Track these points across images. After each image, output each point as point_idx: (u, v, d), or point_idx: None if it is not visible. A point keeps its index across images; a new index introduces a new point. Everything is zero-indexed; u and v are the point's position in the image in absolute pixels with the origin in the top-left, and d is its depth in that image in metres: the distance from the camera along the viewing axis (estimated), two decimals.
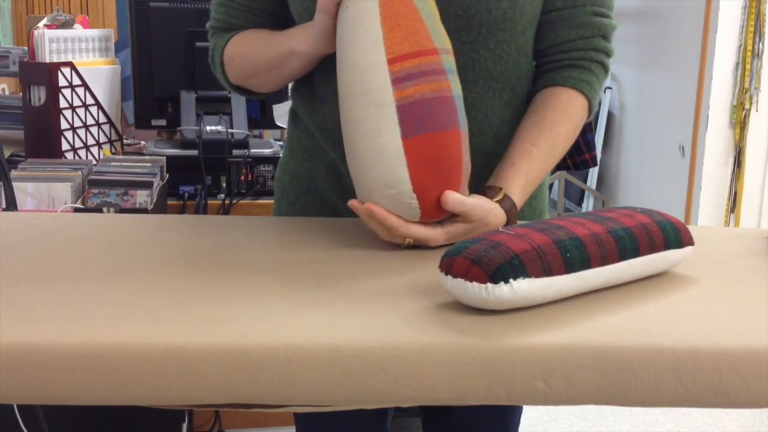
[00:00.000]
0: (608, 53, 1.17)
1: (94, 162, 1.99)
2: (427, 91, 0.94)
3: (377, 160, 0.95)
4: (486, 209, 1.00)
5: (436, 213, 0.98)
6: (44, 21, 2.20)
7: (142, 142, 2.50)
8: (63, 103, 2.07)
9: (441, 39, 0.98)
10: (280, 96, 2.31)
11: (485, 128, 1.14)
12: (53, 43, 2.12)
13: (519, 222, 1.01)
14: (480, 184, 1.11)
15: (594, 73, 1.15)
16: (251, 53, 1.16)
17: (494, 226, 1.01)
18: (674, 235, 0.89)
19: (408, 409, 1.99)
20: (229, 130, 2.18)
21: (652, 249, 0.87)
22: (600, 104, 1.22)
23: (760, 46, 3.46)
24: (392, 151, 0.94)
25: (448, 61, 0.98)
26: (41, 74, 2.06)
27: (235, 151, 2.17)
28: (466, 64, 1.09)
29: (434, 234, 0.99)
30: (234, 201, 2.15)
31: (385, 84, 0.94)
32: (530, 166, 1.09)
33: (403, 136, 0.94)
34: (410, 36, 0.95)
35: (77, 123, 2.13)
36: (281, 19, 1.20)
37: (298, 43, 1.09)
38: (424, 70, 0.95)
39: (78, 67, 2.12)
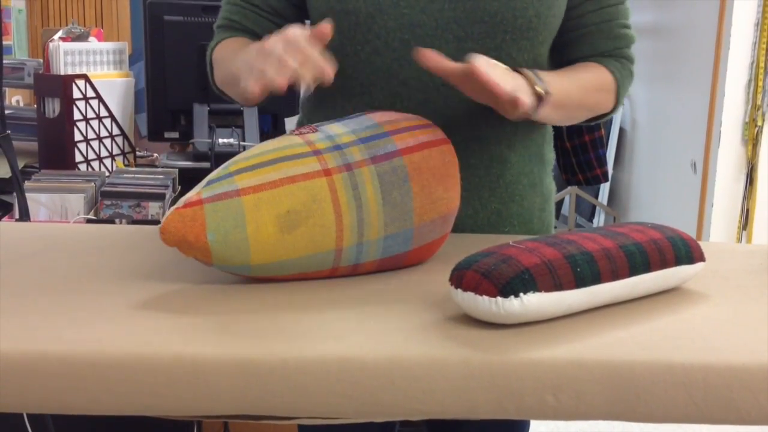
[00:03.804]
0: (633, 61, 1.21)
1: (107, 173, 2.00)
2: None
3: None
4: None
5: None
6: (59, 33, 2.22)
7: (155, 154, 2.51)
8: (77, 115, 2.08)
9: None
10: (292, 109, 2.32)
11: (500, 135, 1.14)
12: (68, 55, 2.14)
13: (529, 236, 1.01)
14: (493, 191, 1.12)
15: (625, 71, 1.19)
16: (226, 62, 1.15)
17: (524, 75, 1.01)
18: (685, 251, 0.89)
19: (414, 423, 1.98)
20: (241, 143, 2.19)
21: (663, 264, 0.86)
22: (611, 119, 1.24)
23: None
24: None
25: None
26: (56, 86, 2.07)
27: None
28: None
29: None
30: None
31: None
32: (554, 75, 1.09)
33: None
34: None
35: (91, 135, 2.14)
36: (282, 20, 1.19)
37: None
38: None
39: (92, 80, 2.13)
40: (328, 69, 0.93)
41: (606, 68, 1.17)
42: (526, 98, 0.95)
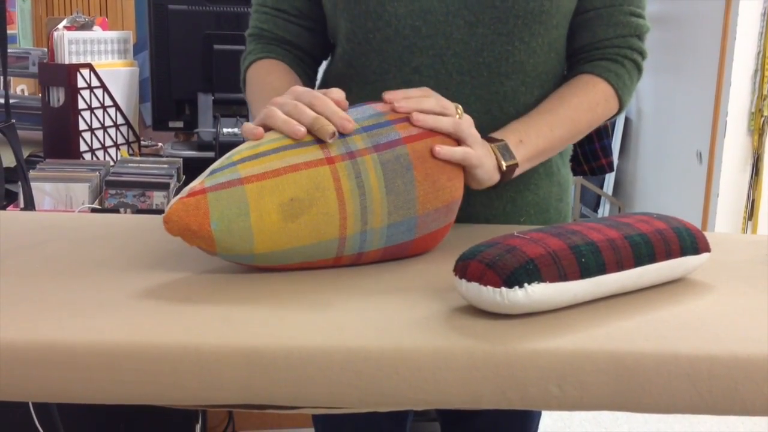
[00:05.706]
0: (643, 54, 1.18)
1: (112, 163, 2.00)
2: None
3: None
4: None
5: None
6: (64, 23, 2.22)
7: (160, 144, 2.51)
8: (81, 105, 2.08)
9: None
10: None
11: None
12: (72, 44, 2.14)
13: (534, 227, 1.01)
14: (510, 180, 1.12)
15: (625, 68, 1.16)
16: (253, 91, 1.17)
17: (487, 151, 1.02)
18: (690, 242, 0.89)
19: (426, 414, 1.99)
20: None
21: (669, 255, 0.86)
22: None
23: None
24: None
25: None
26: (60, 75, 2.07)
27: None
28: (501, 57, 1.09)
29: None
30: None
31: None
32: (529, 122, 1.09)
33: None
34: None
35: (95, 124, 2.14)
36: (310, 22, 1.19)
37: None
38: None
39: (97, 69, 2.13)
40: (347, 123, 0.91)
41: (600, 78, 1.14)
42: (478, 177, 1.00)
